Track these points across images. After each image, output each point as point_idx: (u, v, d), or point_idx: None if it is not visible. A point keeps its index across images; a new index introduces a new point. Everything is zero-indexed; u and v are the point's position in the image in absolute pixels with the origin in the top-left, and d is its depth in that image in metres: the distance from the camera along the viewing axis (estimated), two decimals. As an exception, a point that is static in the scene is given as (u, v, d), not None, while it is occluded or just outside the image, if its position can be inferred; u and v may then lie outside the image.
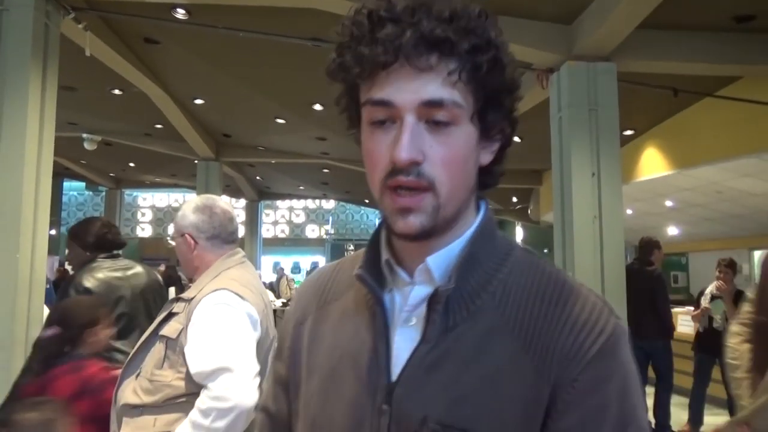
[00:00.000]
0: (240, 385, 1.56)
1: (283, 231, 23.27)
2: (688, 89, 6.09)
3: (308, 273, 13.65)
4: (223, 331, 1.62)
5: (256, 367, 1.61)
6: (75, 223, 2.86)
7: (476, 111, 0.65)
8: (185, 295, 1.72)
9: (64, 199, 19.40)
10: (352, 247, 21.76)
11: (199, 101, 8.82)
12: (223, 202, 1.91)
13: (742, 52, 5.44)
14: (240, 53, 6.70)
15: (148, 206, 22.40)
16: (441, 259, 0.68)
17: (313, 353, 0.75)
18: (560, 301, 0.65)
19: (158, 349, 1.64)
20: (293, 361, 0.78)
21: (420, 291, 0.69)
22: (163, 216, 22.70)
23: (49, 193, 4.83)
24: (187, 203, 1.86)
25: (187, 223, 1.79)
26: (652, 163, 8.50)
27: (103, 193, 18.72)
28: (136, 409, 1.59)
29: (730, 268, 5.20)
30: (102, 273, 2.60)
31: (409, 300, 0.69)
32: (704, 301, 5.32)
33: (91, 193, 21.16)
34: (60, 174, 15.38)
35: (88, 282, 2.54)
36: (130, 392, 1.62)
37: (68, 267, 10.08)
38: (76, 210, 21.74)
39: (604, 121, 5.13)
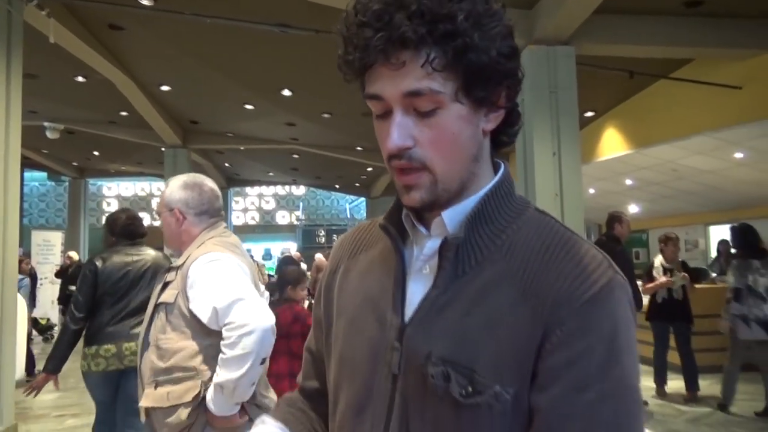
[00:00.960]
0: (254, 309, 1.70)
1: (253, 218, 23.13)
2: (644, 71, 6.34)
3: (279, 259, 13.62)
4: (222, 276, 1.76)
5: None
6: (110, 213, 3.51)
7: (458, 90, 0.68)
8: (175, 264, 1.84)
9: (26, 190, 18.89)
10: (323, 233, 21.80)
11: (165, 88, 8.72)
12: (210, 180, 2.00)
13: (693, 35, 5.70)
14: (207, 39, 6.66)
15: (113, 195, 21.97)
16: (455, 213, 0.74)
17: (342, 297, 0.85)
18: (561, 253, 0.70)
19: (160, 317, 1.76)
20: (327, 305, 0.88)
21: (435, 243, 0.74)
22: (130, 205, 22.29)
23: (18, 184, 4.80)
24: (173, 180, 1.93)
25: (177, 199, 1.88)
26: (612, 143, 8.79)
27: (66, 183, 18.29)
28: (152, 381, 1.72)
29: (675, 240, 5.57)
30: (116, 255, 3.19)
31: (424, 250, 0.76)
32: (657, 273, 5.60)
33: (53, 183, 20.61)
34: (20, 164, 14.98)
35: (98, 262, 3.13)
36: (146, 364, 1.75)
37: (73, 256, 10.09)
38: (38, 201, 21.19)
39: (564, 103, 5.34)
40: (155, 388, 1.72)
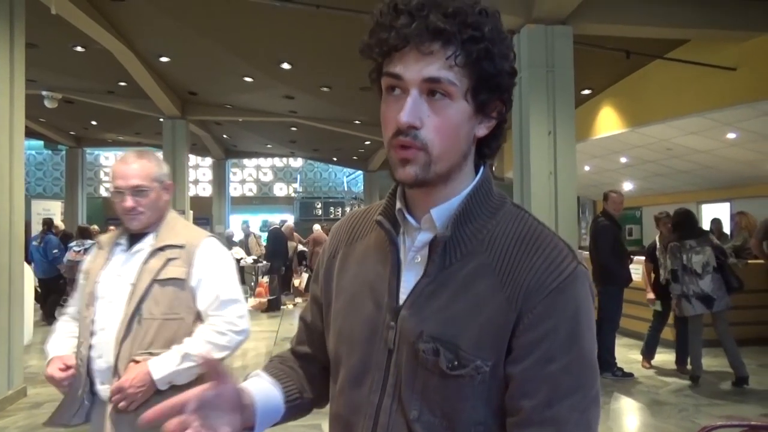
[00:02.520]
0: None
1: (250, 190, 23.17)
2: (640, 51, 6.40)
3: (269, 231, 13.75)
4: (229, 269, 1.89)
5: None
6: None
7: (469, 89, 0.78)
8: (171, 242, 1.81)
9: (23, 158, 18.84)
10: (320, 205, 21.89)
11: (164, 59, 8.72)
12: None
13: (689, 16, 5.75)
14: (207, 11, 6.67)
15: (110, 165, 21.95)
16: (442, 211, 0.84)
17: (341, 280, 0.96)
18: (533, 246, 0.81)
19: (166, 291, 1.76)
20: (326, 285, 0.99)
21: (424, 236, 0.85)
22: (127, 175, 22.27)
23: (23, 152, 4.89)
24: (152, 155, 1.90)
25: (165, 173, 1.90)
26: (608, 122, 8.88)
27: (63, 153, 18.25)
28: (143, 354, 1.73)
29: (669, 219, 5.69)
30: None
31: (415, 243, 0.86)
32: (660, 255, 5.70)
33: (50, 152, 20.57)
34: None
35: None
36: (136, 338, 1.73)
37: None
38: (35, 170, 21.16)
39: (560, 82, 5.41)
40: (141, 338, 1.75)
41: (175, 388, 1.71)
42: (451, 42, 0.75)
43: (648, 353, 5.86)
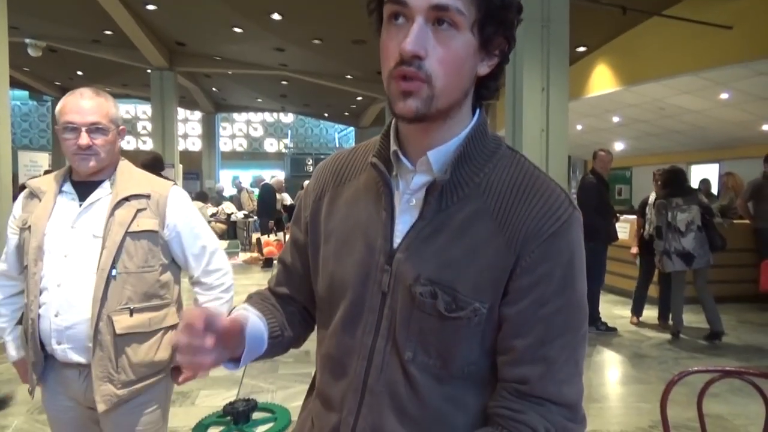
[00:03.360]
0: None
1: (241, 145, 22.96)
2: (637, 8, 6.31)
3: (260, 186, 13.72)
4: (201, 217, 1.86)
5: None
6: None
7: (476, 21, 0.75)
8: (136, 191, 1.70)
9: (8, 109, 18.47)
10: (311, 162, 21.78)
11: (151, 7, 8.47)
12: None
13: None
14: (195, -43, 6.47)
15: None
16: (439, 154, 0.83)
17: (330, 222, 0.93)
18: (530, 191, 0.81)
19: (140, 244, 1.67)
20: (313, 228, 0.96)
21: (420, 179, 0.84)
22: (115, 128, 21.96)
23: (8, 102, 4.80)
24: (108, 95, 1.74)
25: (121, 117, 1.78)
26: (602, 80, 8.81)
27: (49, 104, 17.93)
28: (124, 309, 1.64)
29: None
30: None
31: (410, 185, 0.85)
32: (650, 212, 5.79)
33: (35, 102, 20.16)
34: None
35: None
36: (114, 294, 1.63)
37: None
38: (20, 121, 20.77)
39: (555, 38, 5.32)
40: (130, 315, 1.65)
41: None
42: None
43: (636, 309, 6.00)
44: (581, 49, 8.66)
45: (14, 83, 15.15)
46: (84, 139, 1.62)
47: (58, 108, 1.67)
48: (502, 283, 0.80)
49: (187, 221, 1.77)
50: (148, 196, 1.71)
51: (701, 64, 6.93)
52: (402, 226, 0.85)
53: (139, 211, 1.68)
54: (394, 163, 0.87)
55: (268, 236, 10.16)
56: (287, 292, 1.05)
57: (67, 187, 1.71)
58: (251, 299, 1.04)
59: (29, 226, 1.67)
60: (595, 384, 4.28)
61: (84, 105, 1.64)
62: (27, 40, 10.34)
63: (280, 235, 10.50)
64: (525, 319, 0.80)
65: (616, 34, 8.16)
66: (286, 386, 3.96)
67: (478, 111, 0.88)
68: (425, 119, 0.79)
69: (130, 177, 1.73)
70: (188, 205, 1.80)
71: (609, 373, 4.71)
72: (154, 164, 3.98)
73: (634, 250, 5.88)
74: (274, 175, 15.84)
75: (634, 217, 6.26)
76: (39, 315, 1.64)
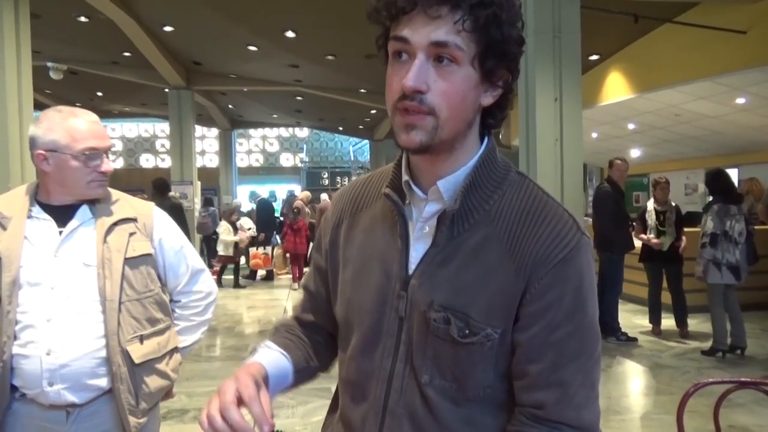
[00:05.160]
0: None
1: (257, 160, 23.18)
2: (649, 15, 6.29)
3: (284, 201, 13.81)
4: (183, 236, 1.80)
5: None
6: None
7: (476, 55, 0.77)
8: (125, 215, 1.63)
9: (30, 130, 18.86)
10: (327, 175, 21.90)
11: (168, 28, 8.66)
12: None
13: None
14: (210, -21, 6.61)
15: (117, 137, 21.97)
16: (449, 183, 0.85)
17: (348, 250, 0.96)
18: (539, 217, 0.83)
19: (139, 270, 1.62)
20: (332, 255, 0.99)
21: (432, 207, 0.86)
22: (134, 147, 22.37)
23: (32, 124, 4.94)
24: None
25: None
26: (616, 87, 8.77)
27: (71, 124, 18.26)
28: (135, 337, 1.58)
29: (668, 184, 5.73)
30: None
31: (423, 214, 0.87)
32: (649, 218, 5.77)
33: (57, 124, 20.58)
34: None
35: None
36: (126, 322, 1.57)
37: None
38: (43, 142, 21.22)
39: (567, 48, 5.34)
40: (141, 343, 1.59)
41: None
42: (459, 6, 0.75)
43: (653, 318, 5.90)
44: (594, 57, 8.64)
45: (37, 106, 15.41)
46: (107, 164, 1.56)
47: (65, 133, 1.51)
48: (513, 308, 0.82)
49: (173, 241, 1.73)
50: (135, 219, 1.64)
51: (716, 70, 6.86)
52: (416, 253, 0.87)
53: (131, 234, 1.61)
54: (406, 192, 0.90)
55: (257, 249, 10.16)
56: (312, 319, 1.07)
57: (37, 211, 1.55)
58: (276, 332, 1.06)
59: None
60: (616, 396, 4.23)
61: (99, 128, 1.58)
62: (49, 64, 10.59)
63: (269, 248, 10.46)
64: (537, 344, 0.82)
65: (629, 42, 8.13)
66: (306, 401, 3.98)
67: (486, 139, 0.90)
68: (429, 150, 0.81)
69: (108, 200, 1.63)
70: (173, 225, 1.77)
71: (630, 384, 4.65)
72: (163, 187, 4.15)
73: (655, 240, 5.64)
74: (292, 191, 16.07)
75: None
76: (19, 355, 1.47)
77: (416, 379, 0.86)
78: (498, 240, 0.83)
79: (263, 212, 10.97)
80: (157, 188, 7.10)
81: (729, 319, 5.07)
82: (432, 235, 0.86)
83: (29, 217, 1.54)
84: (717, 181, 5.13)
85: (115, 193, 1.68)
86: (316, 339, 1.05)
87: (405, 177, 0.89)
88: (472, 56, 0.78)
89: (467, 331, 0.82)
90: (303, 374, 1.01)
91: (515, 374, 0.84)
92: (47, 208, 1.56)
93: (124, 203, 1.66)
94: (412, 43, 0.77)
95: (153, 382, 1.62)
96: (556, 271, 0.80)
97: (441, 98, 0.77)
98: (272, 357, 0.96)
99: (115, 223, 1.59)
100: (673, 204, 5.86)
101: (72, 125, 1.53)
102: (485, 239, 0.83)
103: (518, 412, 0.84)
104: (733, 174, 11.19)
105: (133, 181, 17.84)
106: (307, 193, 11.63)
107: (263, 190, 17.94)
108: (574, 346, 0.82)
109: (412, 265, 0.87)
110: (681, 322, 5.72)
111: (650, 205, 5.84)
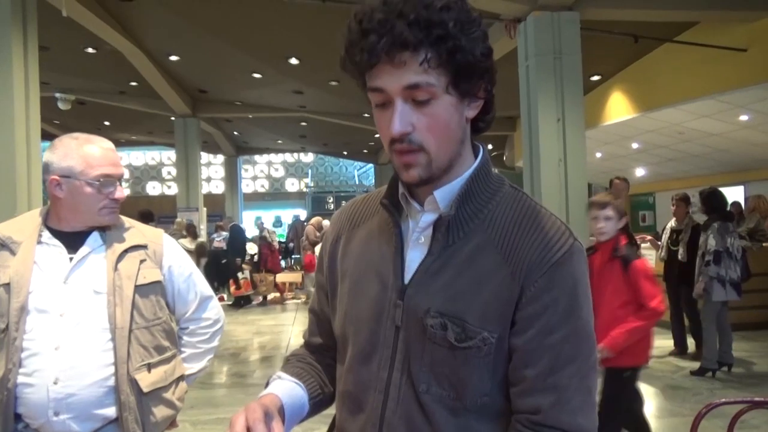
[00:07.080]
0: (218, 304, 1.83)
1: (262, 186, 23.29)
2: (648, 35, 6.35)
3: (290, 225, 13.83)
4: (193, 263, 1.80)
5: None
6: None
7: (448, 84, 0.80)
8: (136, 242, 1.62)
9: (39, 160, 19.08)
10: (332, 200, 21.95)
11: (174, 57, 8.81)
12: None
13: (697, -2, 5.70)
14: (215, 8, 6.72)
15: (124, 165, 22.03)
16: (445, 192, 0.88)
17: (346, 263, 0.98)
18: (532, 225, 0.86)
19: (149, 297, 1.61)
20: (331, 270, 1.01)
21: (428, 217, 0.89)
22: (141, 175, 22.55)
23: (40, 155, 4.98)
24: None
25: None
26: (618, 107, 8.81)
27: (78, 154, 18.45)
28: (144, 366, 1.57)
29: (683, 201, 5.62)
30: None
31: (419, 224, 0.90)
32: (665, 236, 5.71)
33: (65, 153, 20.79)
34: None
35: None
36: (135, 350, 1.55)
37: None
38: (51, 171, 21.42)
39: (568, 69, 5.40)
40: (149, 371, 1.57)
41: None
42: (420, 48, 0.77)
43: (675, 339, 5.76)
44: (595, 77, 8.71)
45: (45, 136, 15.60)
46: (120, 191, 1.56)
47: (80, 160, 1.52)
48: (509, 312, 0.83)
49: (182, 268, 1.73)
50: (145, 246, 1.63)
51: (717, 88, 6.90)
52: (412, 262, 0.89)
53: (141, 262, 1.60)
54: (403, 205, 0.92)
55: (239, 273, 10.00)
56: (320, 341, 1.08)
57: (48, 237, 1.54)
58: (288, 364, 1.06)
59: (6, 284, 1.46)
60: (629, 417, 4.15)
61: (114, 156, 1.57)
62: (57, 94, 10.75)
63: (247, 273, 10.27)
64: (533, 348, 0.83)
65: (630, 62, 8.20)
66: (312, 428, 3.92)
67: (481, 152, 0.93)
68: (430, 181, 0.86)
69: (118, 227, 1.63)
70: (182, 252, 1.77)
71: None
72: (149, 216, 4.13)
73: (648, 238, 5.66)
74: (298, 215, 16.12)
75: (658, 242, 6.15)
76: (24, 384, 1.44)
77: (413, 389, 0.86)
78: (493, 246, 0.85)
79: (233, 239, 10.65)
80: (144, 217, 7.35)
81: (720, 338, 5.00)
82: (428, 244, 0.88)
83: (39, 242, 1.53)
84: (713, 200, 5.14)
85: (125, 220, 1.68)
86: (327, 363, 1.05)
87: (401, 190, 0.92)
88: (445, 85, 0.80)
89: (464, 336, 0.83)
90: (319, 402, 1.02)
91: (512, 380, 0.85)
92: (58, 234, 1.55)
93: (134, 230, 1.66)
94: (387, 91, 0.81)
95: (159, 411, 1.60)
96: (550, 273, 0.82)
97: (427, 134, 0.81)
98: (286, 387, 0.96)
99: (126, 250, 1.58)
100: (693, 223, 5.57)
101: (87, 152, 1.53)
102: (480, 246, 0.86)
103: (515, 420, 0.85)
104: (739, 191, 11.14)
105: (140, 208, 17.93)
106: (319, 219, 11.61)
107: (269, 216, 18.01)
108: (570, 350, 0.83)
109: (408, 275, 0.88)
110: (697, 342, 5.61)
111: (669, 224, 5.76)
